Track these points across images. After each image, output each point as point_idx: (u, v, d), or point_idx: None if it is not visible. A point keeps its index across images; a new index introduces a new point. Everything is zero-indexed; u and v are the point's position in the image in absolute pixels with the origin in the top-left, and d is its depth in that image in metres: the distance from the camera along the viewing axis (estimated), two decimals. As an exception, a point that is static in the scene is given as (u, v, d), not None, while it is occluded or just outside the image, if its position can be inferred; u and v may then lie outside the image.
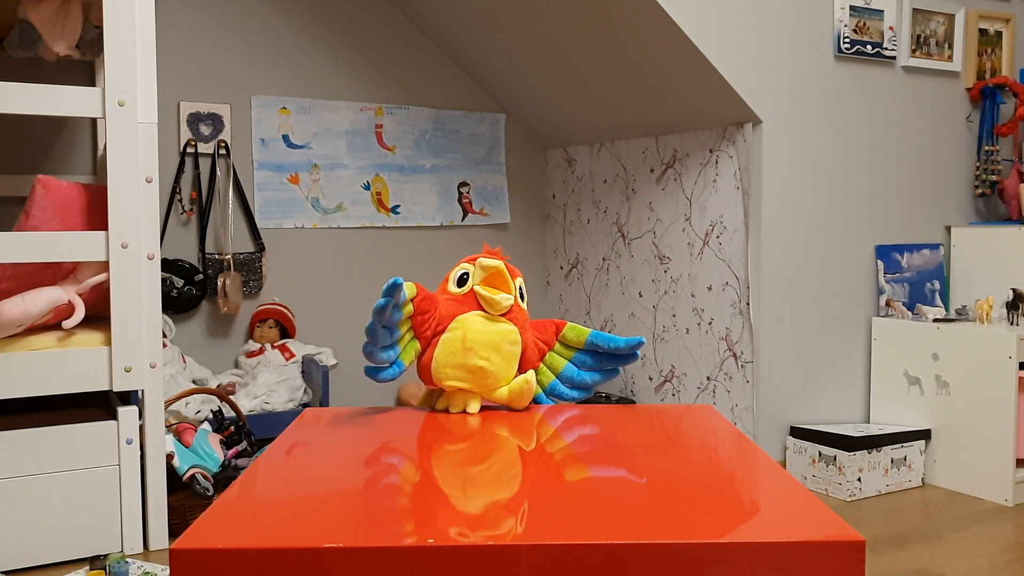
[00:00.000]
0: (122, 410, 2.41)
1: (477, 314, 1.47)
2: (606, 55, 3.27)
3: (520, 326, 1.50)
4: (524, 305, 1.54)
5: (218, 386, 3.37)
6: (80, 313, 2.37)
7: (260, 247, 3.62)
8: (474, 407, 1.48)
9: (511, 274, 1.51)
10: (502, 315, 1.48)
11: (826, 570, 0.88)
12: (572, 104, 3.75)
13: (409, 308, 1.44)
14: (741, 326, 3.14)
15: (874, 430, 3.08)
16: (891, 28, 3.25)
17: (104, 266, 2.41)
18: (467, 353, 1.45)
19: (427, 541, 0.87)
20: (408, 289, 1.42)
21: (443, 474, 1.11)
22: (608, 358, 1.55)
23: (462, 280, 1.51)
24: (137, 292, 2.41)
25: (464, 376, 1.46)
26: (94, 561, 2.20)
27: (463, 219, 4.09)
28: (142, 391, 2.44)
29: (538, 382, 1.56)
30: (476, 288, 1.48)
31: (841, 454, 2.94)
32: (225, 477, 2.65)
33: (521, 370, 1.52)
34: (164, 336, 3.22)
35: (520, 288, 1.53)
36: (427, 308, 1.47)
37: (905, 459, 3.06)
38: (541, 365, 1.56)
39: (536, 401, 1.55)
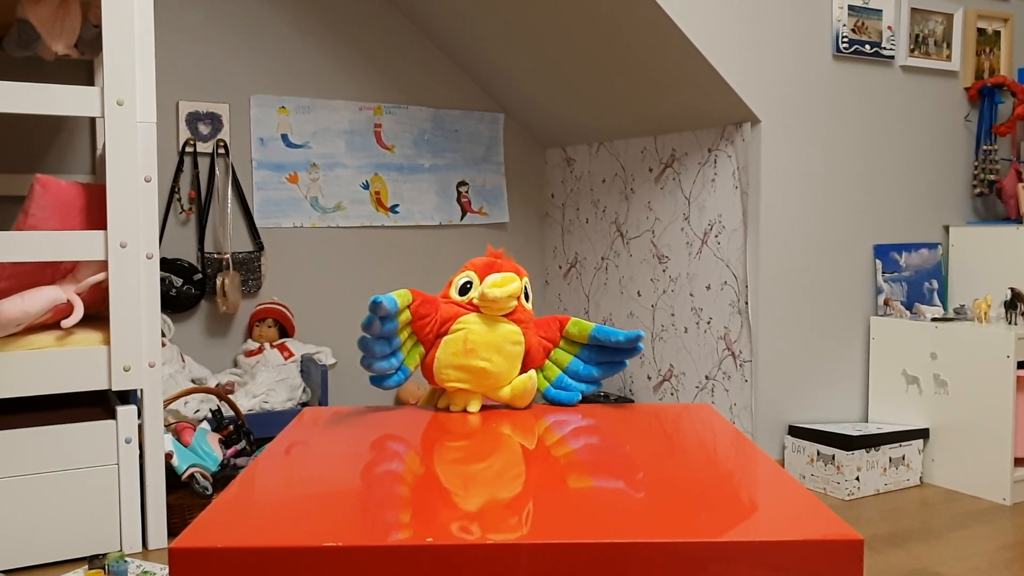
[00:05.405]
0: (121, 409, 2.41)
1: (479, 315, 1.48)
2: (605, 55, 3.27)
3: (524, 326, 1.51)
4: (529, 305, 1.54)
5: (217, 385, 3.37)
6: (79, 312, 2.37)
7: (259, 246, 3.62)
8: (474, 406, 1.48)
9: (518, 273, 1.51)
10: (506, 315, 1.49)
11: (824, 569, 0.89)
12: (571, 104, 3.75)
13: (406, 315, 1.45)
14: (739, 325, 3.15)
15: (872, 429, 3.08)
16: (889, 28, 3.26)
17: (103, 265, 2.41)
18: (468, 354, 1.46)
19: (426, 540, 0.88)
20: (402, 297, 1.43)
21: (442, 473, 1.11)
22: (611, 351, 1.56)
23: (465, 289, 1.51)
24: (136, 291, 2.41)
25: (465, 377, 1.47)
26: (93, 560, 2.20)
27: (462, 218, 4.09)
28: (141, 390, 2.44)
29: (544, 377, 1.57)
30: (486, 291, 1.47)
31: (839, 453, 2.95)
32: (224, 476, 2.65)
33: (524, 369, 1.52)
34: (163, 335, 3.22)
35: (526, 288, 1.54)
36: (426, 312, 1.47)
37: (903, 458, 3.06)
38: (547, 361, 1.57)
39: (544, 395, 1.56)
